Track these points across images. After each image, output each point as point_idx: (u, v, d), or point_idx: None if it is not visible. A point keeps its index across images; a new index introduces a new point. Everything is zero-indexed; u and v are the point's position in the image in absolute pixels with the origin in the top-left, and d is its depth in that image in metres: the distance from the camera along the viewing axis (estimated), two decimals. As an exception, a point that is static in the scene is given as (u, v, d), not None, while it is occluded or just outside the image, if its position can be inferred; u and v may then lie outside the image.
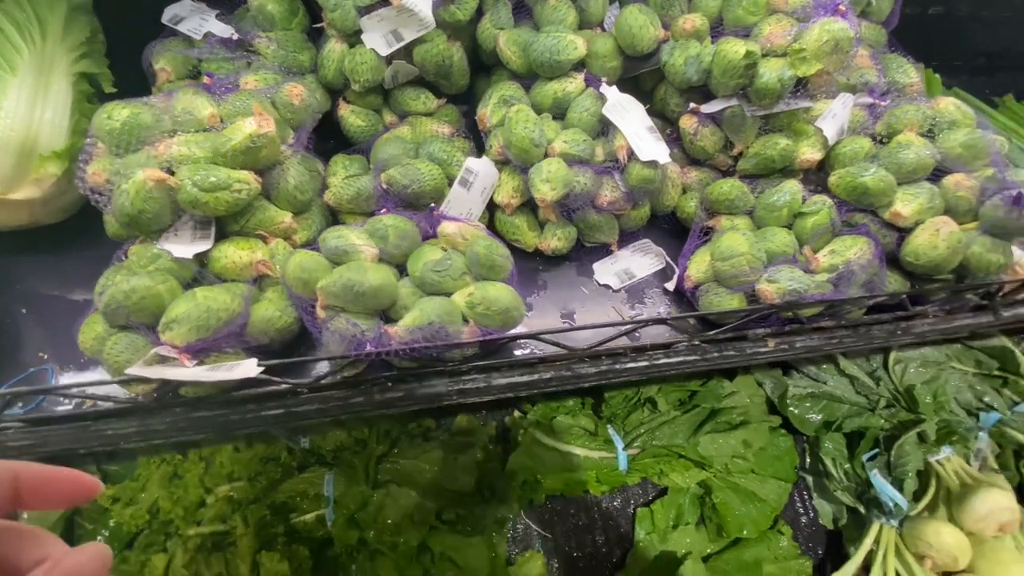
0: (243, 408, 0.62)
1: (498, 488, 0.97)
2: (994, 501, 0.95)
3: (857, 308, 0.73)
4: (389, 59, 0.82)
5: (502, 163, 0.79)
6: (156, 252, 0.62)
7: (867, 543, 1.03)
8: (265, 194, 0.71)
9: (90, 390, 0.60)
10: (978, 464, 1.11)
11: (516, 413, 1.08)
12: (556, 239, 0.78)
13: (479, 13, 0.85)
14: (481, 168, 0.77)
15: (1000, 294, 0.77)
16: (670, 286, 0.79)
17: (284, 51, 0.82)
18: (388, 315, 0.65)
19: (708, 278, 0.74)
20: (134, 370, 0.54)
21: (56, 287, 0.74)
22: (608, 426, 1.05)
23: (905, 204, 0.72)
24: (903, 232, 0.75)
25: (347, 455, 0.97)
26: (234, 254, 0.65)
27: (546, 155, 0.75)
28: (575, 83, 0.78)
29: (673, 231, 0.86)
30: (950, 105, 0.78)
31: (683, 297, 0.78)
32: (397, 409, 0.65)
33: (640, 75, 0.84)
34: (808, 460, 1.18)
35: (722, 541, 1.06)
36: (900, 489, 1.05)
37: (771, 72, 0.70)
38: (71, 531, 0.91)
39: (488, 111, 0.80)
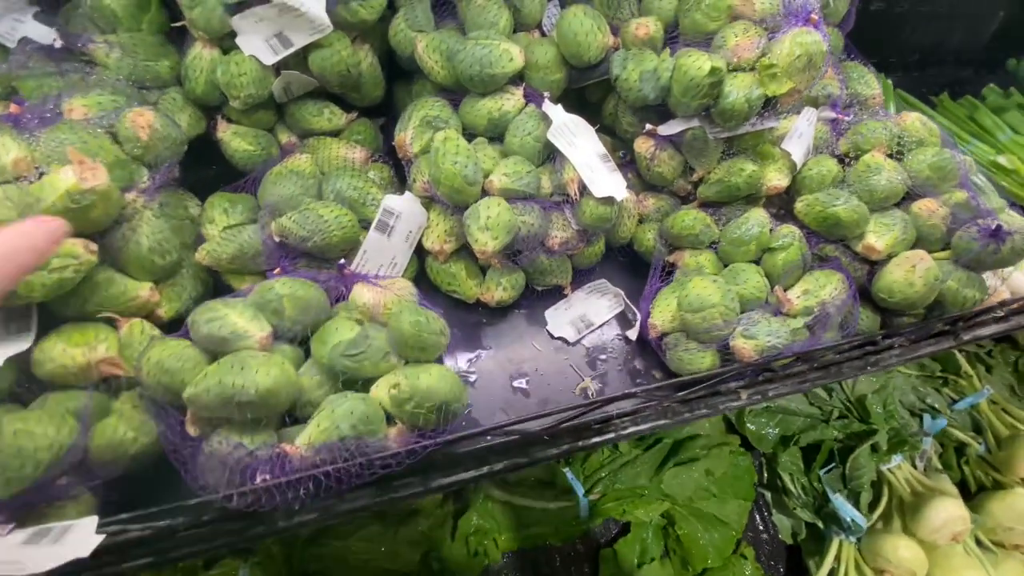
0: (94, 563, 0.46)
1: (449, 560, 0.85)
2: (948, 512, 0.95)
3: (832, 352, 0.67)
4: (278, 68, 0.65)
5: (430, 199, 0.65)
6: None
7: (828, 560, 1.02)
8: (111, 261, 0.53)
9: None
10: (923, 465, 1.13)
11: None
12: (501, 289, 0.66)
13: (391, 10, 0.69)
14: (404, 207, 0.63)
15: (966, 322, 0.74)
16: (632, 335, 0.69)
17: (132, 59, 0.62)
18: (291, 414, 0.51)
19: (675, 327, 0.65)
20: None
21: None
22: (566, 471, 0.96)
23: (879, 237, 0.65)
24: (874, 264, 0.69)
25: (265, 543, 0.81)
26: (64, 354, 0.47)
27: (483, 191, 0.62)
28: (513, 100, 0.65)
29: (630, 264, 0.76)
30: (916, 122, 0.72)
31: (646, 345, 0.69)
32: (310, 529, 0.51)
33: (586, 87, 0.72)
34: (766, 475, 1.15)
35: (688, 574, 1.02)
36: (856, 502, 1.05)
37: (738, 91, 0.60)
38: None
39: (408, 136, 0.65)
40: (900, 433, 1.06)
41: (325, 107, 0.71)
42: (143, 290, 0.53)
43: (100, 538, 0.39)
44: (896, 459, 1.05)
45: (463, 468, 0.56)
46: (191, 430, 0.46)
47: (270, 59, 0.63)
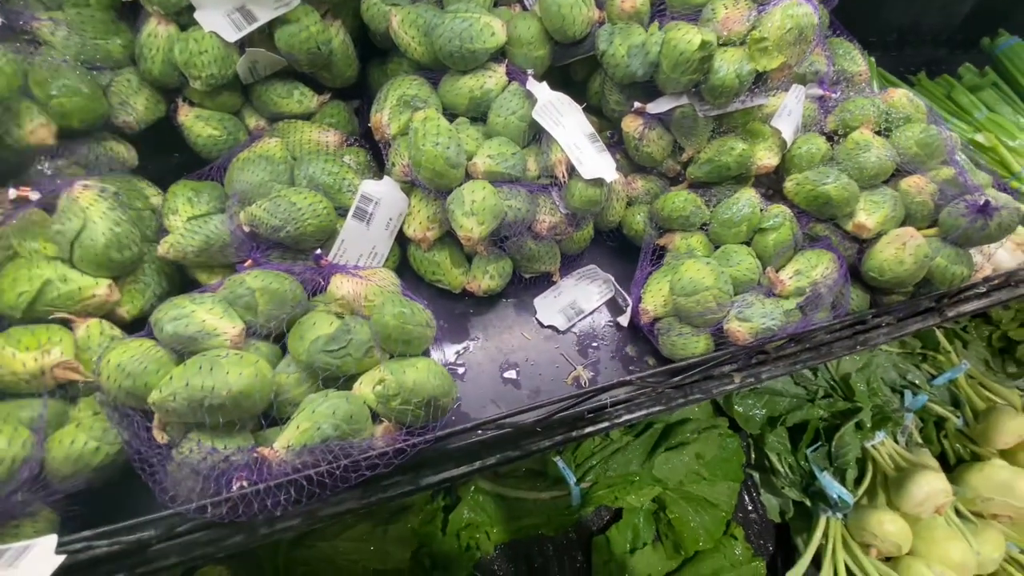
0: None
1: (440, 555, 0.83)
2: (930, 486, 0.97)
3: (824, 332, 0.66)
4: (241, 45, 0.61)
5: (411, 184, 0.62)
6: None
7: (816, 537, 1.03)
8: (64, 256, 0.49)
9: None
10: (904, 440, 1.15)
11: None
12: (488, 277, 0.63)
13: (363, -18, 0.65)
14: (383, 193, 0.60)
15: (951, 298, 0.74)
16: (624, 321, 0.67)
17: (81, 38, 0.57)
18: (268, 414, 0.47)
19: (668, 312, 0.63)
20: None
21: None
22: (557, 460, 0.94)
23: (869, 215, 0.65)
24: (863, 243, 0.68)
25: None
26: (13, 360, 0.43)
27: (467, 175, 0.59)
28: (495, 77, 0.62)
29: (619, 248, 0.74)
30: (903, 98, 0.71)
31: (638, 331, 0.67)
32: (294, 534, 0.49)
33: (571, 64, 0.69)
34: (754, 455, 1.16)
35: (680, 557, 1.02)
36: (842, 479, 1.06)
37: (728, 66, 0.58)
38: None
39: (385, 116, 0.61)
40: (883, 410, 1.08)
41: (295, 88, 0.67)
42: (100, 288, 0.49)
43: (61, 558, 0.36)
44: (880, 435, 1.07)
45: (454, 464, 0.54)
46: (159, 437, 0.43)
47: (233, 36, 0.58)
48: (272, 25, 0.61)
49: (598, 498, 0.94)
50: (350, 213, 0.58)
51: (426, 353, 0.52)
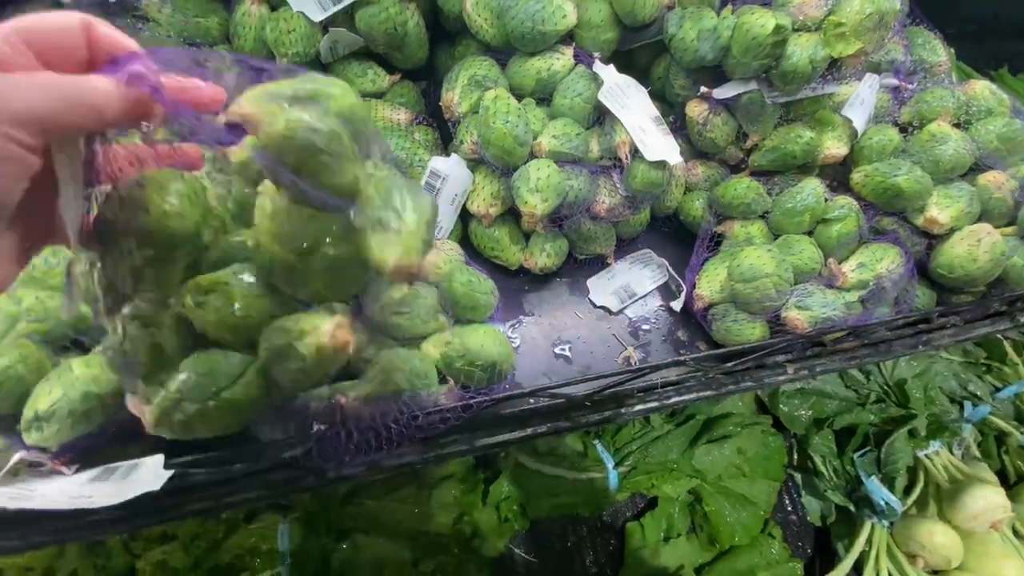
0: (155, 506, 0.48)
1: (480, 524, 0.86)
2: (987, 499, 0.93)
3: (885, 328, 0.65)
4: (325, 26, 0.64)
5: (476, 162, 0.64)
6: (12, 310, 0.45)
7: (859, 543, 1.00)
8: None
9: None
10: (960, 452, 1.10)
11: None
12: (545, 255, 0.65)
13: (438, -33, 0.68)
14: (450, 170, 0.62)
15: (1025, 301, 0.71)
16: (677, 306, 0.68)
17: (183, 15, 0.62)
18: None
19: (723, 298, 0.63)
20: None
21: None
22: (596, 443, 0.96)
23: (942, 209, 0.63)
24: (933, 239, 0.66)
25: (303, 500, 0.83)
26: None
27: (532, 154, 0.60)
28: (563, 60, 0.64)
29: (674, 235, 0.75)
30: (985, 90, 0.68)
31: (691, 317, 0.68)
32: (355, 482, 0.52)
33: (636, 48, 0.70)
34: (796, 456, 1.14)
35: (714, 550, 1.02)
36: (891, 487, 1.03)
37: (802, 51, 0.58)
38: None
39: (456, 95, 0.64)
40: (940, 419, 1.03)
41: (369, 68, 0.70)
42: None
43: (169, 473, 0.40)
44: (934, 445, 1.03)
45: (507, 429, 0.56)
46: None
47: (319, 16, 0.62)
48: (353, 7, 0.64)
49: (635, 483, 0.95)
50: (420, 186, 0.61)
51: (488, 321, 0.54)
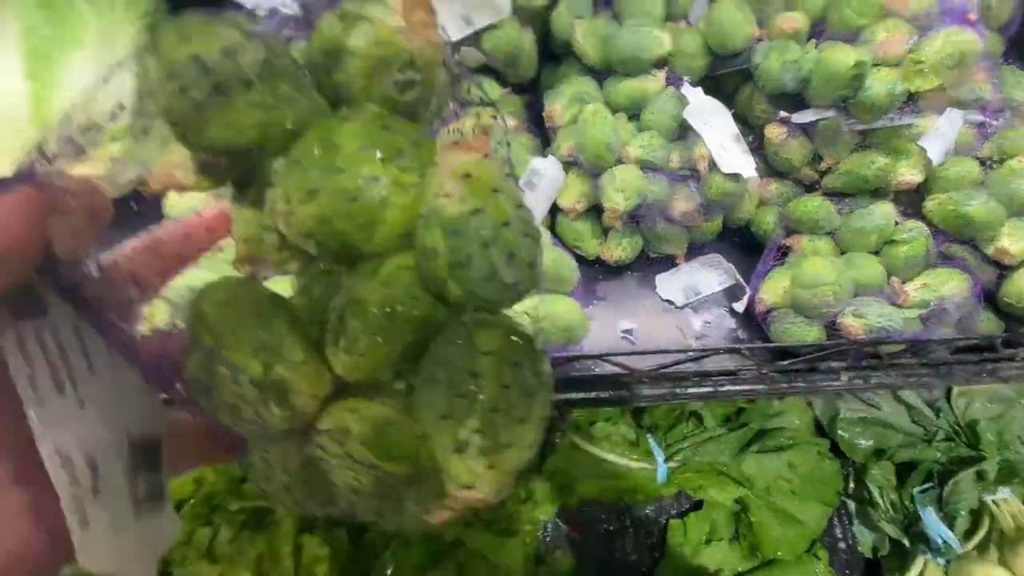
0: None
1: (534, 489, 0.96)
2: (1057, 552, 0.89)
3: (945, 349, 0.68)
4: (456, 45, 0.78)
5: (569, 164, 0.75)
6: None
7: (910, 578, 0.99)
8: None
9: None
10: (1035, 505, 1.05)
11: (555, 414, 1.06)
12: (620, 248, 0.74)
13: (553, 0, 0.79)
14: (547, 168, 0.73)
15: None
16: (739, 307, 0.74)
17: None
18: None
19: (784, 303, 0.69)
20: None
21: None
22: (649, 436, 1.02)
23: (1014, 240, 0.65)
24: (1004, 268, 0.68)
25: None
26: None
27: (619, 160, 0.70)
28: (656, 82, 0.73)
29: (744, 245, 0.81)
30: (1075, 131, 0.70)
31: (751, 320, 0.74)
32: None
33: (723, 75, 0.78)
34: (852, 485, 1.14)
35: (755, 560, 1.04)
36: (951, 526, 1.01)
37: (880, 84, 0.63)
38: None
39: (560, 107, 0.75)
40: (1013, 465, 1.00)
41: (484, 80, 0.84)
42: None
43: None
44: (1003, 491, 0.99)
45: (574, 391, 0.65)
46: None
47: (456, 36, 0.75)
48: (481, 29, 0.77)
49: (683, 480, 1.00)
50: (520, 181, 0.73)
51: (569, 295, 0.64)
